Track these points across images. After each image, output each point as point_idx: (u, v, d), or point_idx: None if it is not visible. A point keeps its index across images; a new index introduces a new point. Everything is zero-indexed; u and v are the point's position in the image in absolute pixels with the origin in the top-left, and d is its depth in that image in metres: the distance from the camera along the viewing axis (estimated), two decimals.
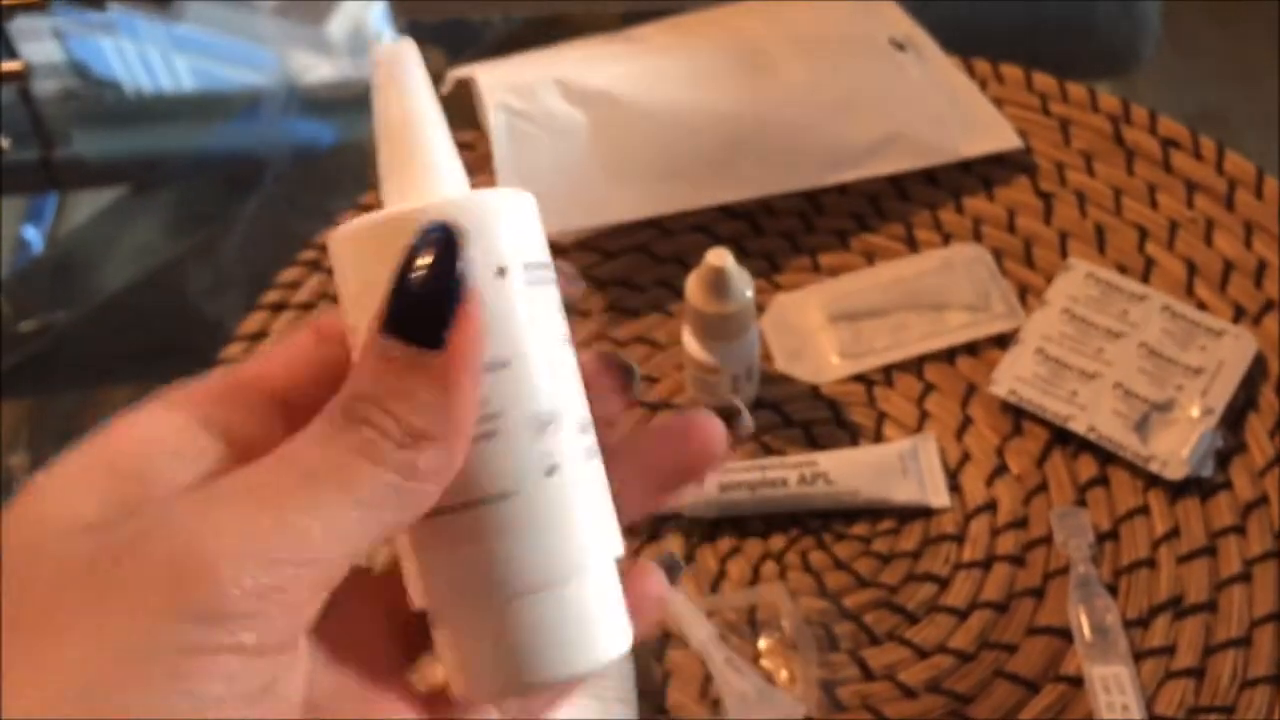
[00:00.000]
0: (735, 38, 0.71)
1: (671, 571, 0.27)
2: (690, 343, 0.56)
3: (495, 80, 0.66)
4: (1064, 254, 0.63)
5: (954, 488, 0.56)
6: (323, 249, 0.67)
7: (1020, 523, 0.55)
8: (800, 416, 0.59)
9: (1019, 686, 0.50)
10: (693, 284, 0.54)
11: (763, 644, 0.52)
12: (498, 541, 0.23)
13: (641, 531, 0.55)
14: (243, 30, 0.90)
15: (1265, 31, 0.75)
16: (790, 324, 0.62)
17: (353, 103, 0.80)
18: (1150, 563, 0.53)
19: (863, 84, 0.69)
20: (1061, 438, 0.57)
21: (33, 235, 0.79)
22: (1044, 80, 0.71)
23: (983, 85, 0.71)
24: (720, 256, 0.53)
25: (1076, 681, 0.50)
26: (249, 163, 0.79)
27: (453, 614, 0.24)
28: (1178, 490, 0.55)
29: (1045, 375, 0.58)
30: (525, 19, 0.84)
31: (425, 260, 0.22)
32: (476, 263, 0.22)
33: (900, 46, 0.71)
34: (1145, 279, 0.62)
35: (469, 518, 0.23)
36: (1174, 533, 0.54)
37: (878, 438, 0.58)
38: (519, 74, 0.67)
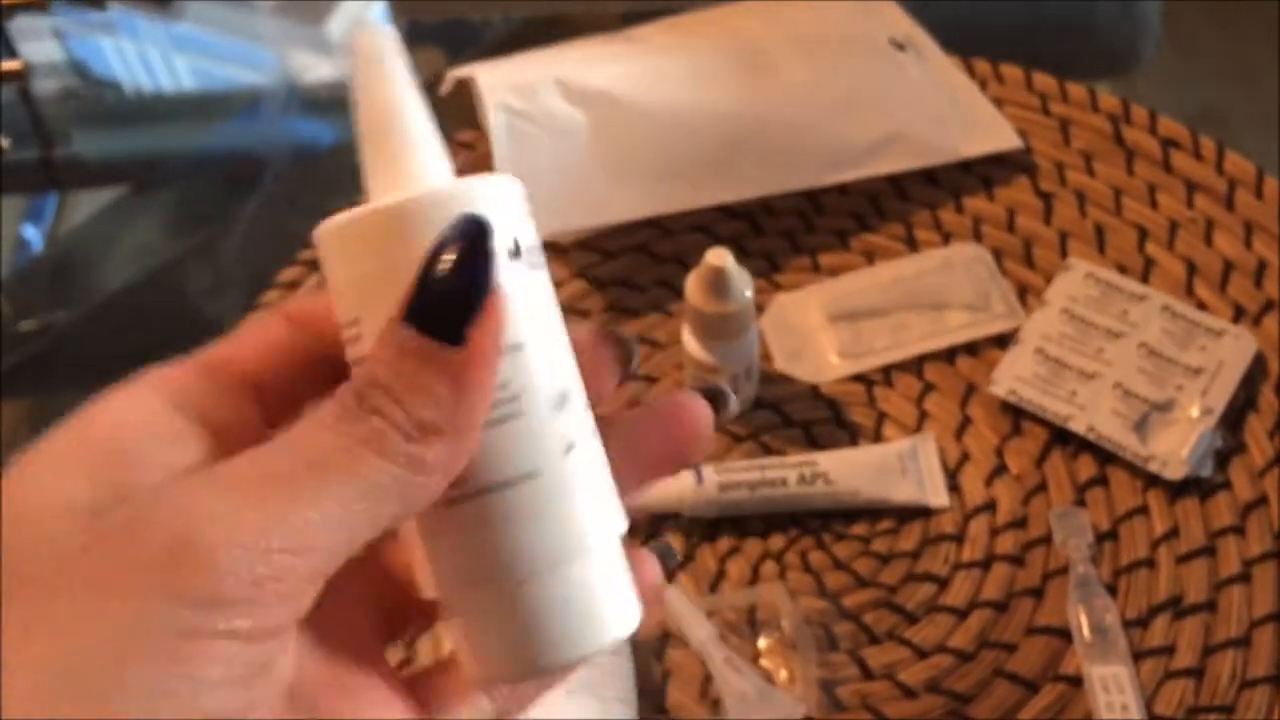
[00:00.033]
0: (735, 38, 0.71)
1: (666, 559, 0.27)
2: (690, 342, 0.56)
3: (495, 80, 0.66)
4: (1064, 254, 0.63)
5: (953, 488, 0.56)
6: None
7: (1020, 523, 0.55)
8: (800, 416, 0.59)
9: (1018, 686, 0.50)
10: (692, 284, 0.54)
11: (762, 644, 0.52)
12: (522, 522, 0.23)
13: (641, 531, 0.56)
14: (243, 30, 0.90)
15: (1265, 31, 0.75)
16: (790, 324, 0.62)
17: None
18: (1150, 563, 0.53)
19: (863, 84, 0.69)
20: (1061, 438, 0.57)
21: (32, 235, 0.79)
22: (1044, 80, 0.71)
23: (983, 85, 0.71)
24: (720, 256, 0.53)
25: (1076, 681, 0.50)
26: (249, 162, 0.79)
27: (473, 599, 0.24)
28: (1177, 490, 0.55)
29: (1045, 375, 0.58)
30: (525, 19, 0.84)
31: (453, 255, 0.22)
32: (501, 258, 0.22)
33: (900, 46, 0.71)
34: (1145, 279, 0.62)
35: (493, 501, 0.23)
36: (1173, 533, 0.54)
37: (877, 438, 0.58)
38: (519, 74, 0.67)
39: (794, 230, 0.66)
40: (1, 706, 0.18)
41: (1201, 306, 0.60)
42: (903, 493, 0.55)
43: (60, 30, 0.88)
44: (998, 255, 0.64)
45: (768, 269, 0.64)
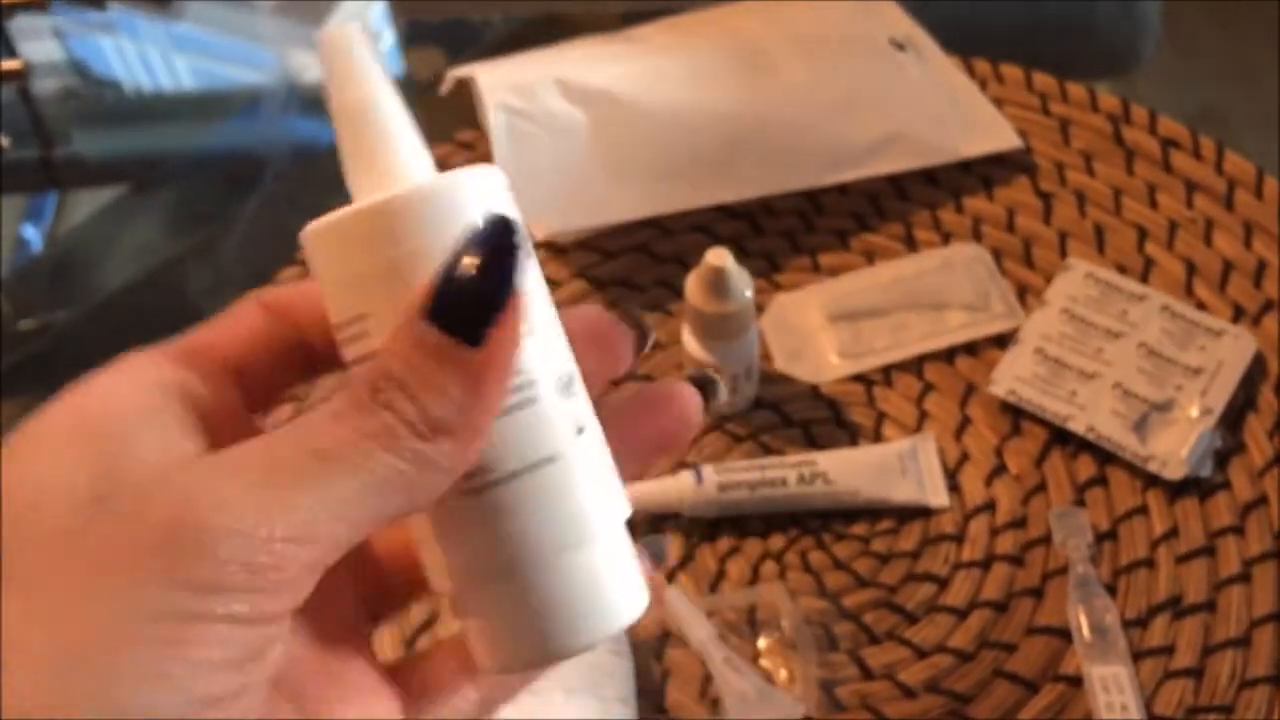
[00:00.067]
0: (735, 38, 0.71)
1: (656, 554, 0.27)
2: (690, 342, 0.56)
3: (495, 80, 0.66)
4: (1063, 254, 0.64)
5: (953, 487, 0.56)
6: None
7: (1019, 522, 0.55)
8: (800, 416, 0.59)
9: (1018, 686, 0.50)
10: (692, 284, 0.55)
11: (762, 643, 0.52)
12: (543, 507, 0.23)
13: (641, 530, 0.55)
14: (242, 29, 0.90)
15: (1265, 31, 0.75)
16: (790, 324, 0.62)
17: None
18: (1149, 563, 0.53)
19: (863, 84, 0.69)
20: (1060, 438, 0.57)
21: (32, 234, 0.79)
22: (1044, 80, 0.71)
23: (983, 85, 0.71)
24: (720, 256, 0.53)
25: (1076, 681, 0.50)
26: (249, 162, 0.79)
27: (491, 589, 0.24)
28: (1177, 490, 0.55)
29: (1044, 375, 0.58)
30: (525, 19, 0.84)
31: (480, 256, 0.22)
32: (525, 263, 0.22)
33: (900, 46, 0.71)
34: (1145, 279, 0.62)
35: (515, 487, 0.23)
36: (1173, 533, 0.54)
37: (877, 437, 0.58)
38: (519, 73, 0.67)
39: (794, 230, 0.66)
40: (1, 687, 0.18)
41: (1201, 306, 0.60)
42: (902, 493, 0.55)
43: (60, 30, 0.88)
44: (997, 255, 0.64)
45: (768, 269, 0.64)
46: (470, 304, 0.21)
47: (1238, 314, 0.60)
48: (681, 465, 0.57)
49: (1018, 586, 0.53)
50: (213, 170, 0.80)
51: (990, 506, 0.56)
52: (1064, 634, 0.51)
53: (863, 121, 0.67)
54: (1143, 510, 0.55)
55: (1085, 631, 0.51)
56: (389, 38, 0.90)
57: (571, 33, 0.73)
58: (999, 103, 0.70)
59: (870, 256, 0.65)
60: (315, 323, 0.24)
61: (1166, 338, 0.58)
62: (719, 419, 0.59)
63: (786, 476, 0.55)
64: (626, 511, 0.25)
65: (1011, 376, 0.58)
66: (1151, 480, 0.55)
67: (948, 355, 0.60)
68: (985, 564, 0.54)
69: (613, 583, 0.24)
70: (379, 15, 0.91)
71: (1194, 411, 0.56)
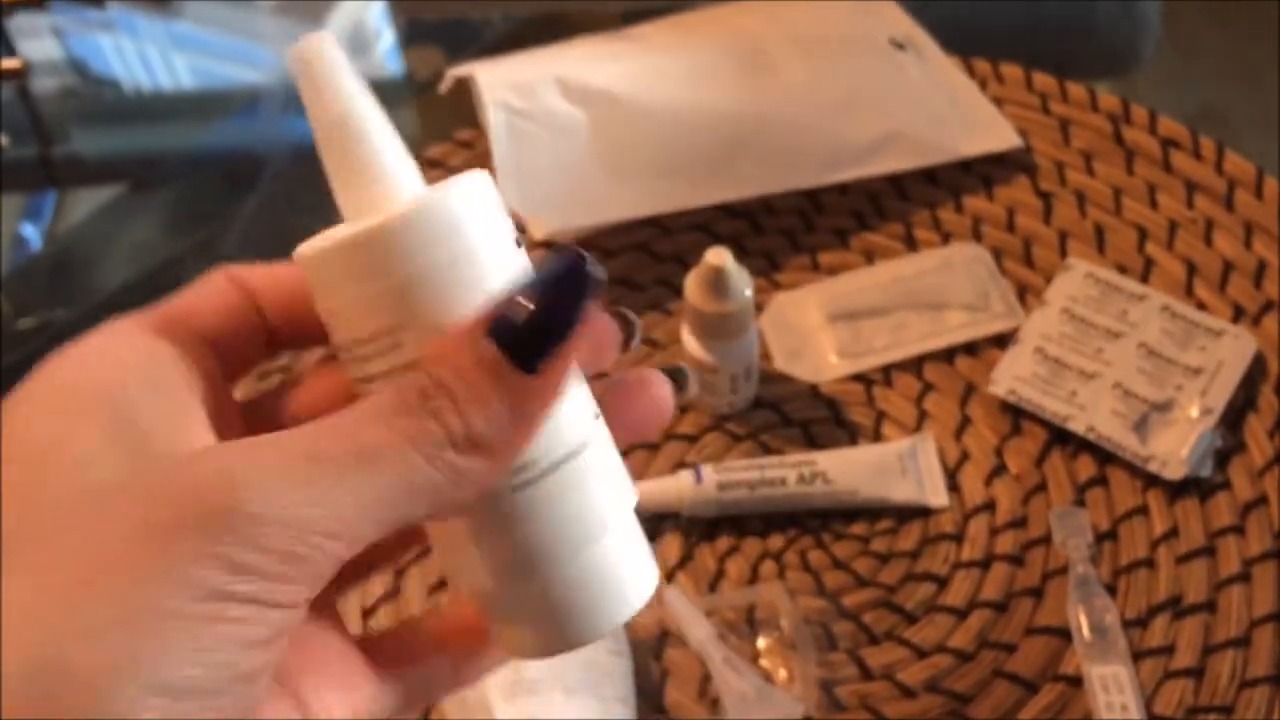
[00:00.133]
0: (735, 37, 0.71)
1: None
2: (689, 342, 0.56)
3: (495, 78, 0.66)
4: (1063, 254, 0.63)
5: (953, 487, 0.56)
6: None
7: (1019, 522, 0.55)
8: (799, 416, 0.59)
9: (1018, 686, 0.50)
10: (692, 283, 0.54)
11: (761, 643, 0.52)
12: (575, 494, 0.24)
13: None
14: (242, 28, 0.90)
15: (1265, 31, 0.75)
16: (789, 323, 0.62)
17: None
18: (1149, 563, 0.53)
19: (862, 83, 0.69)
20: (1060, 437, 0.57)
21: (31, 233, 0.79)
22: (1044, 80, 0.71)
23: (983, 85, 0.71)
24: (720, 255, 0.53)
25: (1075, 681, 0.50)
26: (248, 161, 0.79)
27: (524, 580, 0.24)
28: (1177, 490, 0.55)
29: (1044, 375, 0.58)
30: (525, 17, 0.84)
31: (552, 290, 0.22)
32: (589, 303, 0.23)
33: (900, 46, 0.71)
34: (1145, 279, 0.62)
35: (559, 477, 0.24)
36: (1173, 533, 0.54)
37: (877, 437, 0.58)
38: (519, 72, 0.67)
39: (794, 229, 0.66)
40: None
41: (1201, 306, 0.60)
42: (902, 492, 0.55)
43: (59, 28, 0.88)
44: (997, 255, 0.64)
45: (767, 268, 0.64)
46: (533, 333, 0.22)
47: (1238, 314, 0.60)
48: (681, 465, 0.57)
49: (1018, 586, 0.53)
50: (212, 169, 0.80)
51: (990, 506, 0.55)
52: (1064, 634, 0.51)
53: (863, 121, 0.67)
54: (1143, 510, 0.55)
55: (1085, 631, 0.50)
56: (388, 36, 0.90)
57: (571, 31, 0.73)
58: (999, 102, 0.70)
59: (870, 256, 0.65)
60: (275, 302, 0.25)
61: (1166, 338, 0.58)
62: (718, 418, 0.59)
63: (786, 476, 0.55)
64: (634, 497, 0.26)
65: (1011, 376, 0.58)
66: (1151, 480, 0.55)
67: (947, 355, 0.60)
68: (985, 564, 0.54)
69: (631, 567, 0.25)
70: (378, 13, 0.91)
71: (1194, 411, 0.56)
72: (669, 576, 0.54)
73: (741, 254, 0.56)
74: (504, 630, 0.25)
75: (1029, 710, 0.49)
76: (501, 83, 0.66)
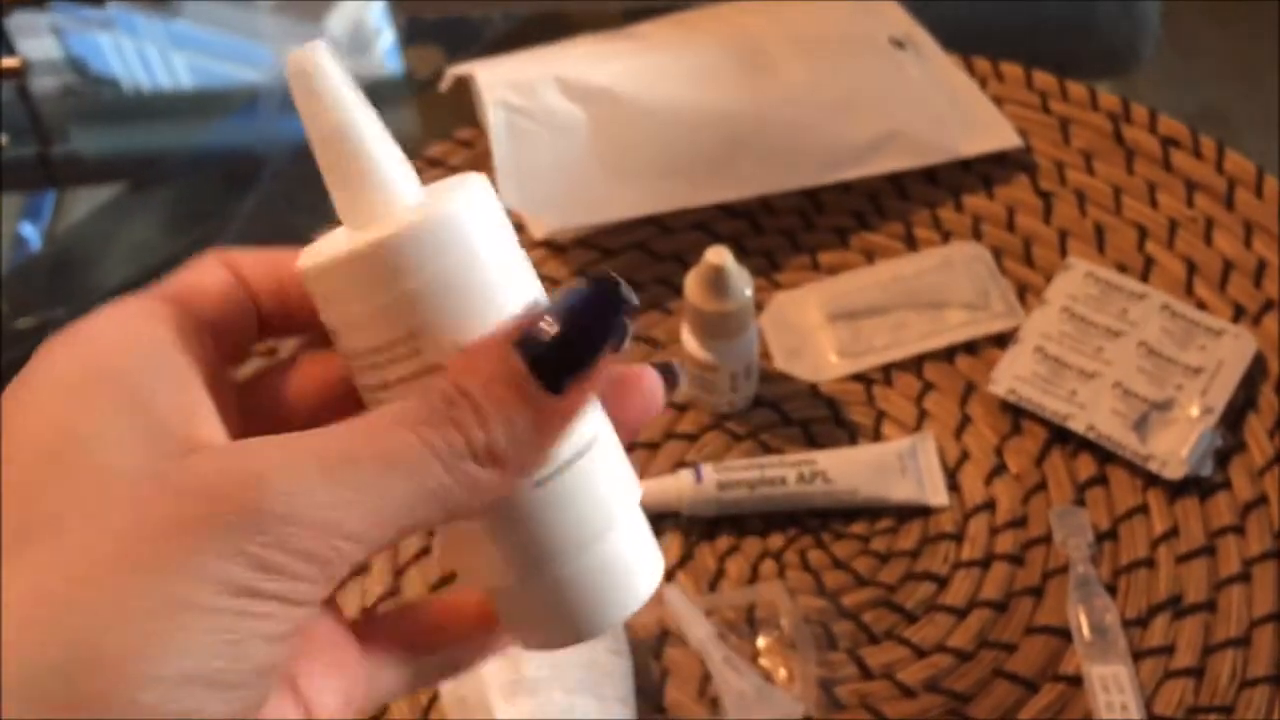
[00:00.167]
0: (735, 36, 0.71)
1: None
2: (689, 341, 0.56)
3: (495, 77, 0.66)
4: (1063, 253, 0.63)
5: (953, 487, 0.56)
6: None
7: (1019, 522, 0.55)
8: (799, 415, 0.59)
9: (1018, 686, 0.50)
10: (692, 282, 0.54)
11: (761, 643, 0.52)
12: (586, 489, 0.24)
13: None
14: (241, 27, 0.90)
15: (1265, 31, 0.75)
16: (789, 322, 0.62)
17: None
18: (1149, 562, 0.53)
19: (862, 83, 0.69)
20: (1060, 437, 0.57)
21: (30, 232, 0.79)
22: (1044, 79, 0.71)
23: (983, 84, 0.71)
24: (719, 255, 0.53)
25: (1075, 681, 0.50)
26: (247, 160, 0.79)
27: (546, 573, 0.24)
28: (1177, 490, 0.55)
29: (1044, 374, 0.58)
30: (525, 16, 0.84)
31: (586, 316, 0.23)
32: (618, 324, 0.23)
33: (900, 45, 0.71)
34: (1145, 278, 0.62)
35: (569, 474, 0.24)
36: (1173, 532, 0.54)
37: (876, 436, 0.58)
38: (519, 71, 0.67)
39: (794, 229, 0.66)
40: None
41: (1201, 306, 0.60)
42: (902, 492, 0.55)
43: (59, 27, 0.88)
44: (997, 254, 0.64)
45: (767, 267, 0.64)
46: (562, 354, 0.22)
47: (1238, 313, 0.60)
48: (681, 464, 0.57)
49: (1017, 586, 0.53)
50: (211, 168, 0.80)
51: (990, 505, 0.55)
52: (1064, 633, 0.51)
53: (862, 120, 0.67)
54: (1143, 510, 0.55)
55: (1085, 631, 0.50)
56: (388, 35, 0.90)
57: (571, 30, 0.73)
58: (999, 101, 0.70)
59: (870, 255, 0.65)
60: (267, 288, 0.25)
61: (1167, 337, 0.58)
62: (718, 418, 0.59)
63: (786, 475, 0.55)
64: (639, 489, 0.26)
65: (1011, 375, 0.58)
66: (1152, 480, 0.55)
67: (947, 354, 0.60)
68: (985, 563, 0.54)
69: (639, 557, 0.26)
70: (378, 12, 0.91)
71: (1194, 411, 0.56)
72: (669, 576, 0.54)
73: (741, 253, 0.56)
74: (515, 624, 0.26)
75: (1029, 710, 0.49)
76: (501, 81, 0.66)
